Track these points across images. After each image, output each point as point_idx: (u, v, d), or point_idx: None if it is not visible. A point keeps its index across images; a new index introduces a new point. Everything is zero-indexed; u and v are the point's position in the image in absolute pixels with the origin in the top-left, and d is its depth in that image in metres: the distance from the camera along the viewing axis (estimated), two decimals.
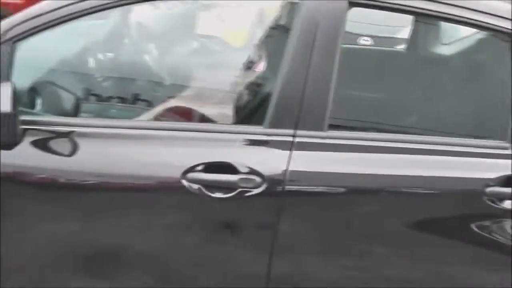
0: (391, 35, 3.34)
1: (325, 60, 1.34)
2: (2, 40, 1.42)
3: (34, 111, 1.58)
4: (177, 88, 1.85)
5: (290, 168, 1.33)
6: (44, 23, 1.42)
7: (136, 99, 1.83)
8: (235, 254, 1.42)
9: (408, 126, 1.65)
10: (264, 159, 1.35)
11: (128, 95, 1.82)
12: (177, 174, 1.33)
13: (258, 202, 1.34)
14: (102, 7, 1.42)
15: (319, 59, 1.33)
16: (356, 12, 1.37)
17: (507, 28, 1.35)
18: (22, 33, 1.42)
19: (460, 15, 1.35)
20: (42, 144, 1.40)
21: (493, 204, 1.34)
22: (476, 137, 1.49)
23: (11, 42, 1.42)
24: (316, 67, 1.33)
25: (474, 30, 1.66)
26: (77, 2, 1.38)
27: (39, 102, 1.61)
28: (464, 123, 1.62)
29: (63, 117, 1.52)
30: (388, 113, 1.66)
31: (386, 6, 1.36)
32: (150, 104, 1.80)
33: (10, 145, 1.37)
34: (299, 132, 1.35)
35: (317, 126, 1.35)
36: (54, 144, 1.41)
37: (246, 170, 1.33)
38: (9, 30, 1.42)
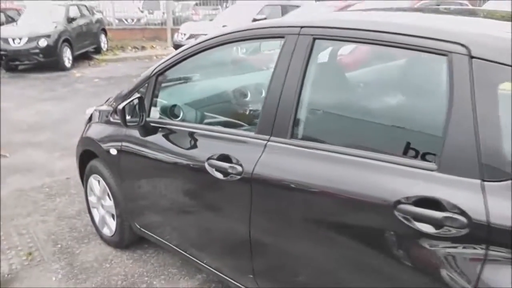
0: None
1: (289, 89, 1.76)
2: (151, 74, 2.48)
3: (177, 119, 2.55)
4: None
5: (260, 164, 1.81)
6: (170, 63, 2.39)
7: None
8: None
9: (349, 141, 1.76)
10: (248, 155, 1.87)
11: None
12: (203, 159, 2.03)
13: (242, 184, 1.88)
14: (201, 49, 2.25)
15: (286, 88, 1.77)
16: None
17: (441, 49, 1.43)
18: (160, 70, 2.44)
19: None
20: (170, 136, 2.34)
21: (405, 222, 1.41)
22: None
23: (155, 76, 2.46)
24: (286, 92, 1.77)
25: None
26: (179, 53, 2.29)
27: (181, 113, 2.57)
28: (399, 143, 1.61)
29: (177, 121, 2.42)
30: (336, 128, 1.81)
31: (347, 40, 1.68)
32: None
33: (146, 133, 2.41)
34: (272, 138, 1.81)
35: (283, 134, 1.78)
36: (174, 136, 2.33)
37: (239, 162, 1.89)
38: (155, 69, 2.47)
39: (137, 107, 2.36)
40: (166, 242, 2.61)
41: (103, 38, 13.79)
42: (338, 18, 1.81)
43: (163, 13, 18.43)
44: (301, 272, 1.83)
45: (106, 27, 14.76)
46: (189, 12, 21.82)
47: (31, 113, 6.70)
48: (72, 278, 2.79)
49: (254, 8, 12.28)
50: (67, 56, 10.85)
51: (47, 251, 3.08)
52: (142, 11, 21.93)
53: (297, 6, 11.62)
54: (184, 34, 11.10)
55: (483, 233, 1.28)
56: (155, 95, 2.49)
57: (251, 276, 2.04)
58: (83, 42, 12.08)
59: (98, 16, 14.27)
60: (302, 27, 1.78)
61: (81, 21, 12.08)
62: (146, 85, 2.52)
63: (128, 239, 3.00)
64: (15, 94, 8.06)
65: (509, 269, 1.25)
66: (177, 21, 17.61)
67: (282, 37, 1.83)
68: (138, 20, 20.79)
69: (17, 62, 10.32)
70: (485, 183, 1.29)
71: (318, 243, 1.70)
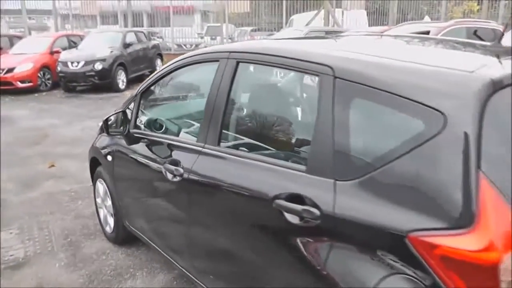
0: None
1: (219, 104, 2.17)
2: (137, 92, 2.99)
3: (159, 131, 3.02)
4: None
5: (194, 166, 2.22)
6: (148, 84, 2.89)
7: None
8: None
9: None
10: (189, 159, 2.29)
11: None
12: (161, 162, 2.47)
13: (183, 182, 2.29)
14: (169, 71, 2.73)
15: (217, 103, 2.18)
16: None
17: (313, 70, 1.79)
18: (143, 88, 2.94)
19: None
20: (147, 144, 2.80)
21: (279, 213, 1.74)
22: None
23: (140, 93, 2.96)
24: (216, 106, 2.19)
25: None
26: (155, 74, 2.78)
27: (168, 128, 3.03)
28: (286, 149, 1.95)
29: (157, 133, 2.88)
30: (245, 137, 2.18)
31: (262, 63, 2.09)
32: None
33: (130, 142, 2.90)
34: (205, 145, 2.22)
35: (213, 142, 2.18)
36: (149, 145, 2.80)
37: (181, 165, 2.32)
38: (140, 88, 2.98)
39: (121, 119, 2.88)
40: (146, 239, 3.05)
41: (158, 62, 14.82)
42: (252, 46, 2.22)
43: (224, 39, 19.46)
44: (221, 257, 2.21)
45: (165, 52, 15.87)
46: (246, 38, 22.81)
47: (76, 128, 7.55)
48: (71, 266, 3.30)
49: (300, 33, 12.82)
50: (121, 78, 11.88)
51: (58, 243, 3.64)
52: (202, 37, 23.22)
53: (340, 32, 11.98)
54: None
55: (331, 224, 1.59)
56: (140, 110, 2.99)
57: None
58: (139, 66, 13.12)
59: (155, 42, 15.40)
60: (230, 52, 2.20)
61: (137, 47, 13.17)
62: (134, 101, 3.03)
63: (122, 236, 3.48)
64: (67, 111, 9.05)
65: (347, 256, 1.55)
66: None
67: (217, 60, 2.26)
68: (197, 45, 21.98)
69: (74, 83, 11.51)
70: (337, 182, 1.60)
71: (229, 229, 2.09)
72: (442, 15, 13.53)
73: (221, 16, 20.17)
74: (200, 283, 2.43)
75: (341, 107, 1.64)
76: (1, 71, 11.27)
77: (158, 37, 20.61)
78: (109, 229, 3.60)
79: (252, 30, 23.47)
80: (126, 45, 12.53)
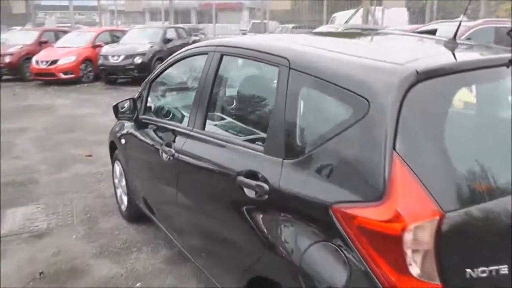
0: None
1: (205, 92, 2.44)
2: (147, 81, 3.30)
3: (162, 116, 3.31)
4: None
5: (183, 147, 2.50)
6: (156, 74, 3.19)
7: None
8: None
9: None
10: (180, 141, 2.57)
11: None
12: (159, 143, 2.77)
13: (174, 162, 2.58)
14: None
15: (204, 91, 2.45)
16: None
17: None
18: (151, 78, 3.25)
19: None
20: (152, 129, 3.10)
21: (240, 188, 1.98)
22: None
23: (149, 83, 3.27)
24: (201, 96, 2.46)
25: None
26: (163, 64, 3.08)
27: (169, 114, 3.34)
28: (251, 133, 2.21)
29: (159, 118, 3.19)
30: (221, 122, 2.44)
31: (240, 56, 2.33)
32: None
33: (138, 127, 3.22)
34: (194, 129, 2.50)
35: (199, 127, 2.45)
36: (154, 129, 3.10)
37: (174, 147, 2.60)
38: (149, 78, 3.29)
39: (131, 106, 3.20)
40: (151, 216, 3.36)
41: None
42: (233, 41, 2.48)
43: None
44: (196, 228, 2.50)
45: None
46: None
47: (111, 118, 7.97)
48: (86, 238, 3.67)
49: (334, 31, 12.89)
50: None
51: (78, 218, 4.03)
52: (244, 34, 23.70)
53: (374, 29, 12.01)
54: None
55: (276, 197, 1.81)
56: (148, 97, 3.30)
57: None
58: None
59: (195, 38, 15.92)
60: (217, 46, 2.46)
61: (177, 42, 13.65)
62: (144, 89, 3.35)
63: (134, 213, 3.81)
64: (105, 102, 9.61)
65: (288, 225, 1.78)
66: None
67: (207, 53, 2.53)
68: None
69: (114, 76, 12.16)
70: (284, 161, 1.83)
71: (209, 205, 2.36)
72: (481, 15, 13.23)
73: (263, 13, 20.52)
74: (194, 261, 2.69)
75: (292, 95, 1.86)
76: (45, 63, 12.12)
77: (201, 33, 21.20)
78: (123, 207, 3.95)
79: (293, 27, 23.68)
80: (166, 41, 13.06)
